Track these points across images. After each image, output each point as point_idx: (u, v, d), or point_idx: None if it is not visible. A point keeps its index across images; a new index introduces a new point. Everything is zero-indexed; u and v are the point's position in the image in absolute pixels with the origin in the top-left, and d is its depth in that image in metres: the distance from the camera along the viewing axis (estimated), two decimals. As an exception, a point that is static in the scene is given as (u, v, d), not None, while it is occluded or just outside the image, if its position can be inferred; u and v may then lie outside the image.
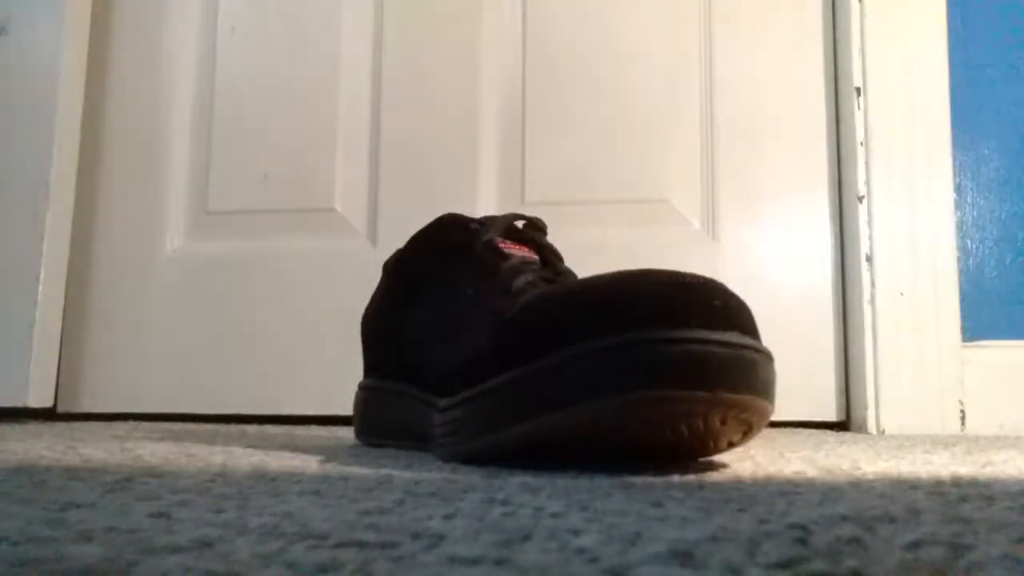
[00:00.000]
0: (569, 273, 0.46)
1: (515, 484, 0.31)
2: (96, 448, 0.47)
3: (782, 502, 0.26)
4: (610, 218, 0.86)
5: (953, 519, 0.23)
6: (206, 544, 0.19)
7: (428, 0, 0.92)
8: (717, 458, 0.42)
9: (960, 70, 0.82)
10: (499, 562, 0.17)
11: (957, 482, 0.33)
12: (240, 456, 0.43)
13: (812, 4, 0.87)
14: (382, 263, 0.56)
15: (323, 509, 0.24)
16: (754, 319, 0.36)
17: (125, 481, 0.31)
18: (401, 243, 0.55)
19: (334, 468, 0.38)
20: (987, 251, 0.81)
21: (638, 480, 0.33)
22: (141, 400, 0.88)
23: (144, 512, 0.23)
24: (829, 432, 0.76)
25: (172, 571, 0.16)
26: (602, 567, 0.17)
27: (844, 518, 0.23)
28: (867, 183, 0.80)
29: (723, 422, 0.35)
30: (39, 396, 0.87)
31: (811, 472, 0.37)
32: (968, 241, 0.81)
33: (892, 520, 0.23)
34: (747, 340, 0.34)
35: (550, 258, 0.47)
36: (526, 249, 0.47)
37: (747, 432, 0.37)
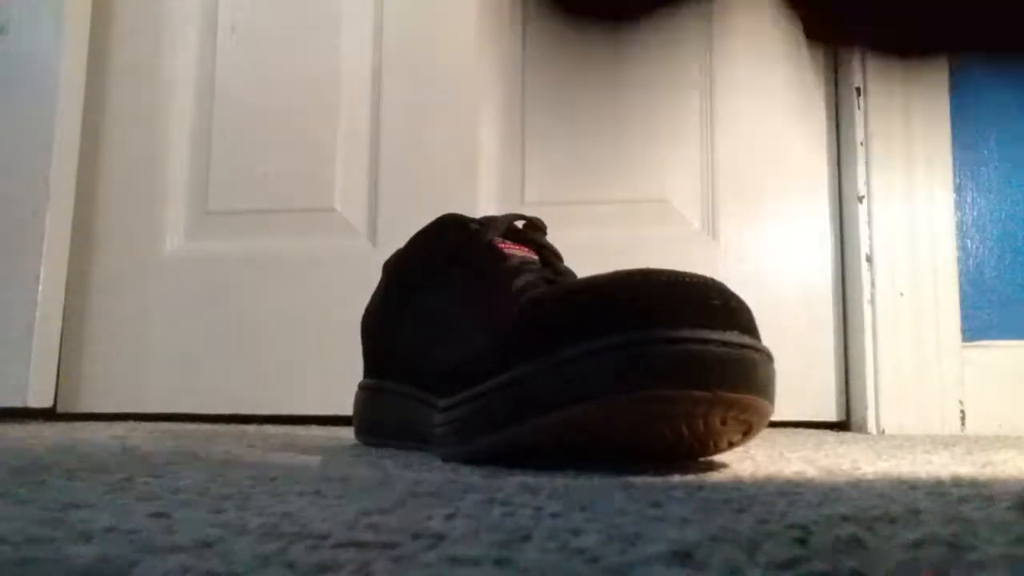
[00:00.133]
0: (569, 273, 0.46)
1: (515, 484, 0.31)
2: (96, 448, 0.47)
3: (782, 502, 0.26)
4: (610, 218, 0.86)
5: (953, 519, 0.23)
6: (206, 544, 0.19)
7: (428, 1, 0.92)
8: (717, 458, 0.42)
9: (960, 70, 0.82)
10: (499, 562, 0.17)
11: (957, 482, 0.33)
12: (240, 456, 0.43)
13: (812, 4, 0.87)
14: (382, 263, 0.56)
15: (323, 509, 0.24)
16: (754, 318, 0.36)
17: (125, 481, 0.31)
18: (401, 243, 0.55)
19: (334, 468, 0.38)
20: (987, 251, 0.81)
21: (638, 480, 0.33)
22: (141, 400, 0.88)
23: (144, 512, 0.23)
24: (829, 432, 0.76)
25: (172, 571, 0.16)
26: (602, 567, 0.17)
27: (844, 518, 0.23)
28: (867, 183, 0.80)
29: (723, 422, 0.35)
30: (39, 396, 0.87)
31: (811, 472, 0.37)
32: (968, 241, 0.81)
33: (892, 520, 0.23)
34: (747, 339, 0.34)
35: (550, 258, 0.47)
36: (526, 249, 0.47)
37: (747, 432, 0.37)
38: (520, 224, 0.48)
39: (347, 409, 0.73)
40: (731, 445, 0.38)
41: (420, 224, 0.53)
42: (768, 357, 0.35)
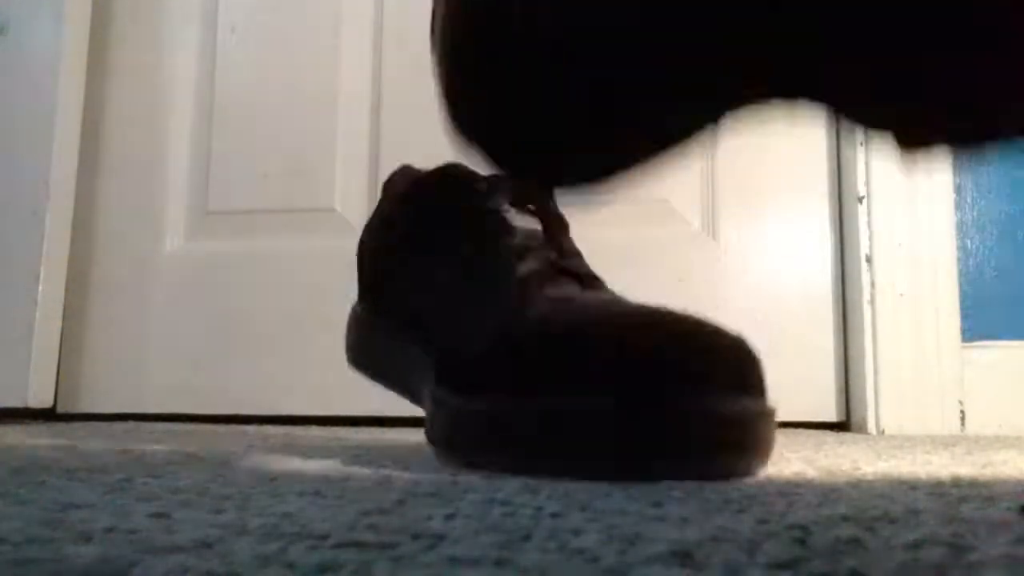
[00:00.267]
0: (576, 255, 0.45)
1: (515, 484, 0.31)
2: (96, 448, 0.47)
3: (782, 502, 0.26)
4: (610, 218, 0.86)
5: (953, 519, 0.23)
6: (206, 544, 0.19)
7: (428, 1, 0.92)
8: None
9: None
10: (499, 562, 0.17)
11: (957, 482, 0.33)
12: (240, 456, 0.43)
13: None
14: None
15: (323, 510, 0.24)
16: (763, 373, 0.36)
17: (125, 481, 0.31)
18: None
19: (334, 468, 0.38)
20: (987, 251, 0.81)
21: (638, 480, 0.33)
22: (141, 400, 0.88)
23: (144, 512, 0.23)
24: (829, 432, 0.76)
25: (172, 571, 0.16)
26: (602, 567, 0.17)
27: (844, 518, 0.23)
28: (867, 183, 0.80)
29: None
30: (39, 396, 0.87)
31: (811, 472, 0.37)
32: (968, 241, 0.81)
33: (892, 520, 0.23)
34: (760, 406, 0.34)
35: (556, 232, 0.45)
36: (531, 217, 0.45)
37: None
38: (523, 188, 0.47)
39: (347, 409, 0.73)
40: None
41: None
42: (771, 416, 0.35)
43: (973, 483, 0.33)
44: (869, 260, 0.79)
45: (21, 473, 0.34)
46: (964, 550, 0.19)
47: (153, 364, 0.89)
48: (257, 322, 0.88)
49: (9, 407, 0.85)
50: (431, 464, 0.39)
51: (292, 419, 0.84)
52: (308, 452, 0.47)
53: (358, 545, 0.19)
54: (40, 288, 0.87)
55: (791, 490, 0.30)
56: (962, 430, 0.76)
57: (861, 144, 0.81)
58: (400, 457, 0.44)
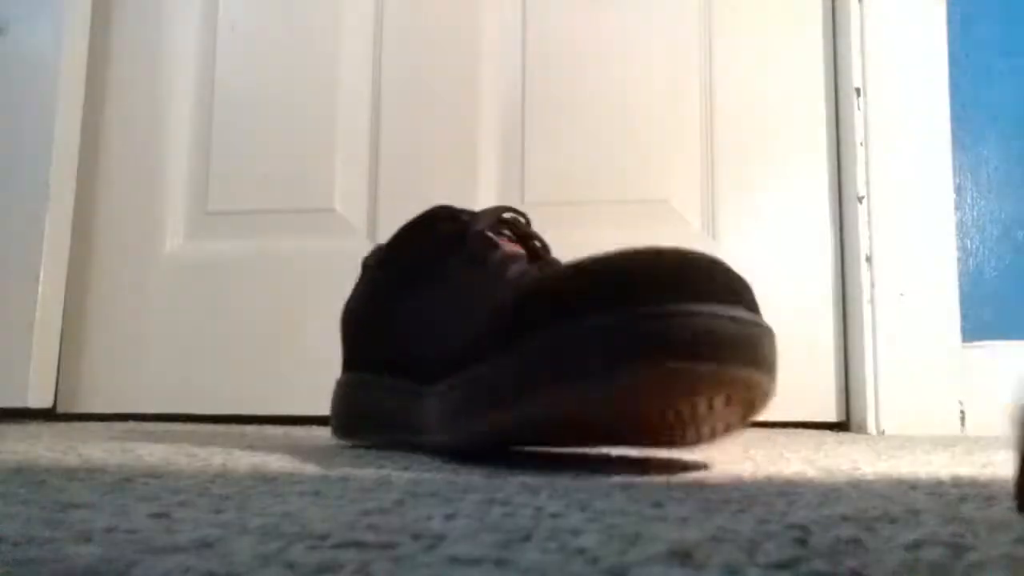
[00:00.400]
0: (558, 264, 0.46)
1: (515, 484, 0.31)
2: (96, 448, 0.47)
3: (782, 502, 0.26)
4: (610, 218, 0.86)
5: (953, 519, 0.23)
6: (206, 544, 0.19)
7: (428, 0, 0.92)
8: (717, 458, 0.42)
9: (960, 70, 0.82)
10: (499, 562, 0.17)
11: (957, 482, 0.33)
12: (240, 456, 0.43)
13: (812, 5, 0.87)
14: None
15: (323, 509, 0.24)
16: (756, 298, 0.36)
17: (125, 481, 0.31)
18: (401, 243, 0.55)
19: (334, 468, 0.38)
20: (987, 251, 0.81)
21: (638, 480, 0.33)
22: (141, 400, 0.88)
23: (144, 512, 0.23)
24: (829, 432, 0.76)
25: (172, 571, 0.16)
26: (602, 567, 0.17)
27: (844, 518, 0.23)
28: (867, 183, 0.80)
29: (728, 401, 0.34)
30: (39, 396, 0.87)
31: (811, 472, 0.37)
32: (968, 241, 0.81)
33: (892, 520, 0.23)
34: (754, 316, 0.34)
35: (538, 251, 0.46)
36: (512, 244, 0.46)
37: (746, 415, 0.37)
38: (506, 216, 0.48)
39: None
40: (727, 430, 0.37)
41: (420, 224, 0.53)
42: (772, 334, 0.35)
43: (973, 483, 0.33)
44: (869, 260, 0.79)
45: (21, 473, 0.34)
46: (964, 550, 0.19)
47: (153, 364, 0.89)
48: (257, 322, 0.88)
49: (9, 407, 0.85)
50: (431, 464, 0.39)
51: (292, 419, 0.84)
52: (308, 452, 0.47)
53: (358, 545, 0.19)
54: (40, 288, 0.87)
55: (791, 490, 0.30)
56: (962, 430, 0.76)
57: (861, 144, 0.81)
58: (400, 457, 0.44)
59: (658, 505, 0.25)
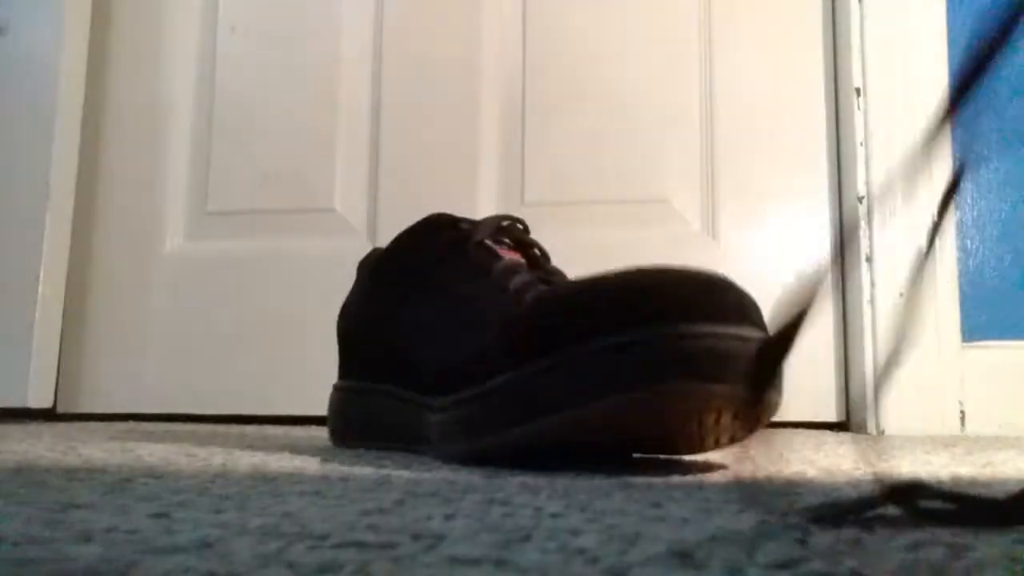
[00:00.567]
0: (559, 273, 0.46)
1: (515, 484, 0.31)
2: (96, 448, 0.47)
3: (782, 502, 0.26)
4: (610, 218, 0.86)
5: (953, 519, 0.23)
6: (206, 544, 0.19)
7: (428, 1, 0.92)
8: (717, 458, 0.42)
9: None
10: (499, 563, 0.17)
11: (957, 482, 0.33)
12: (240, 456, 0.43)
13: (812, 5, 0.87)
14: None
15: (323, 509, 0.24)
16: (763, 315, 0.36)
17: (125, 481, 0.31)
18: (401, 243, 0.55)
19: (334, 468, 0.37)
20: (987, 251, 0.81)
21: (638, 480, 0.33)
22: (141, 400, 0.88)
23: (144, 512, 0.23)
24: (829, 432, 0.75)
25: (172, 571, 0.16)
26: (602, 567, 0.17)
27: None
28: (867, 183, 0.80)
29: (736, 417, 0.35)
30: (39, 396, 0.87)
31: (811, 472, 0.37)
32: (968, 241, 0.81)
33: (892, 520, 0.23)
34: (761, 334, 0.34)
35: (538, 259, 0.47)
36: (512, 252, 0.46)
37: (753, 428, 0.37)
38: (505, 224, 0.48)
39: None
40: (732, 441, 0.38)
41: (420, 224, 0.53)
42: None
43: (973, 483, 0.33)
44: (869, 260, 0.79)
45: (21, 473, 0.34)
46: (964, 550, 0.19)
47: (153, 364, 0.89)
48: (257, 322, 0.88)
49: (9, 407, 0.85)
50: (431, 464, 0.39)
51: (292, 419, 0.84)
52: (308, 452, 0.47)
53: (358, 545, 0.19)
54: (40, 288, 0.87)
55: (791, 490, 0.30)
56: (962, 430, 0.76)
57: (861, 144, 0.81)
58: (400, 457, 0.44)
59: (658, 505, 0.25)
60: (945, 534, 0.21)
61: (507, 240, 0.47)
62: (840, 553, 0.18)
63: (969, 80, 0.20)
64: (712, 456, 0.43)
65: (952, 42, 0.82)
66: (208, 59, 0.94)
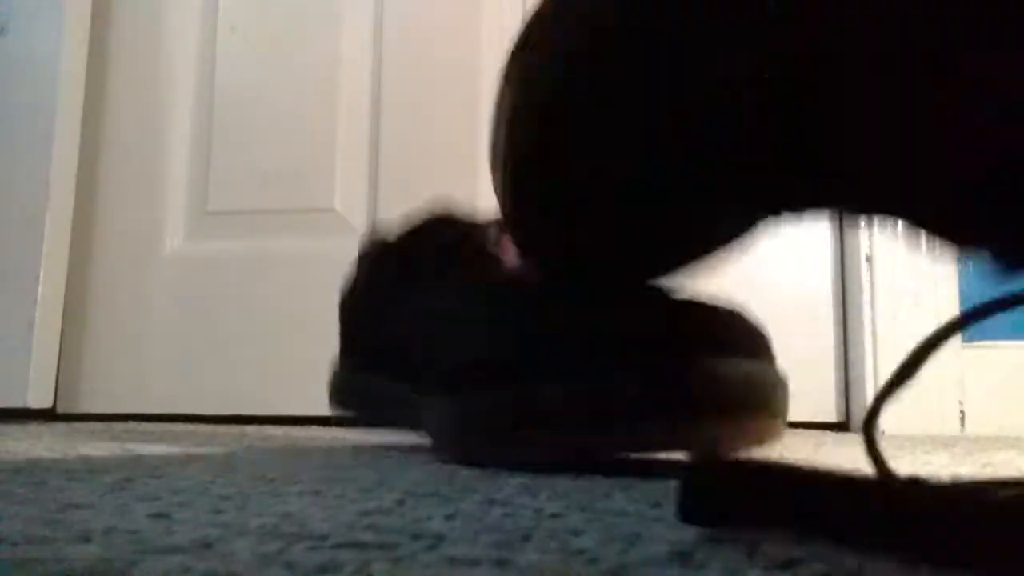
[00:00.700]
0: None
1: (515, 485, 0.31)
2: (96, 448, 0.47)
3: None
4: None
5: (953, 519, 0.23)
6: (206, 544, 0.19)
7: (428, 0, 0.92)
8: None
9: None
10: (499, 563, 0.17)
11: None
12: (240, 456, 0.43)
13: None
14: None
15: (323, 509, 0.24)
16: (771, 345, 0.37)
17: (125, 481, 0.31)
18: (401, 243, 0.55)
19: (334, 468, 0.37)
20: (987, 251, 0.80)
21: (638, 480, 0.33)
22: (141, 400, 0.88)
23: (144, 512, 0.23)
24: (829, 432, 0.76)
25: (172, 571, 0.16)
26: (602, 568, 0.17)
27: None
28: (867, 183, 0.80)
29: (736, 443, 0.35)
30: (39, 396, 0.87)
31: (811, 472, 0.37)
32: (968, 241, 0.81)
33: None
34: (767, 368, 0.35)
35: None
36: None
37: (755, 448, 0.38)
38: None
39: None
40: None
41: (420, 224, 0.53)
42: (786, 386, 0.36)
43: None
44: (869, 260, 0.79)
45: (21, 473, 0.34)
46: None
47: (153, 364, 0.89)
48: (257, 322, 0.88)
49: (9, 407, 0.85)
50: (431, 464, 0.39)
51: (292, 419, 0.84)
52: (308, 452, 0.47)
53: (358, 545, 0.19)
54: (40, 288, 0.87)
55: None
56: (962, 430, 0.76)
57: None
58: (400, 457, 0.44)
59: (658, 505, 0.25)
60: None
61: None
62: (840, 553, 0.18)
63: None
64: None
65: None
66: (208, 59, 0.94)
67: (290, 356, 0.87)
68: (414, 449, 0.48)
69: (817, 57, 0.20)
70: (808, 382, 0.81)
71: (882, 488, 0.17)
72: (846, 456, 0.47)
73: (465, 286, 0.44)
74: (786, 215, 0.27)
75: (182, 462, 0.39)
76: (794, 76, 0.20)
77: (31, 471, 0.35)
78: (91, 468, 0.36)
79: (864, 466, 0.41)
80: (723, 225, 0.32)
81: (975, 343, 0.78)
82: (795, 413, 0.84)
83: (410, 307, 0.47)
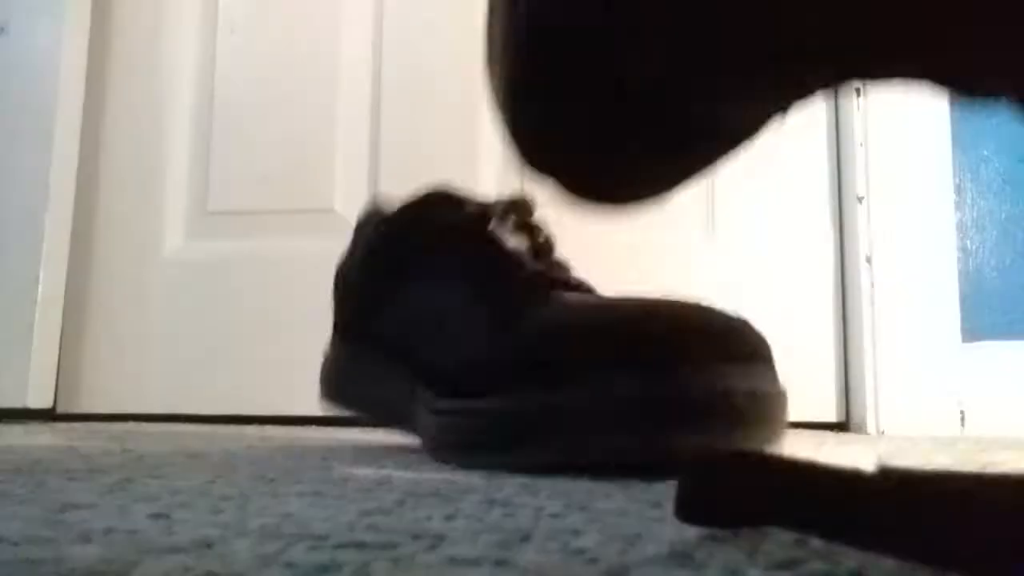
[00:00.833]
0: (563, 265, 0.46)
1: (515, 484, 0.31)
2: (96, 448, 0.47)
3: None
4: (610, 217, 0.86)
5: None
6: (206, 545, 0.19)
7: (428, 1, 0.92)
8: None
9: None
10: (499, 563, 0.17)
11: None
12: (240, 456, 0.43)
13: (812, 4, 0.87)
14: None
15: (323, 510, 0.24)
16: (772, 354, 0.37)
17: (125, 481, 0.31)
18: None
19: (334, 468, 0.37)
20: (987, 251, 0.81)
21: (638, 480, 0.33)
22: (141, 400, 0.88)
23: (144, 512, 0.23)
24: (829, 433, 0.76)
25: (172, 571, 0.16)
26: (602, 568, 0.17)
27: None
28: (867, 183, 0.80)
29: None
30: (39, 396, 0.87)
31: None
32: (968, 241, 0.81)
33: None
34: (766, 379, 0.35)
35: (544, 248, 0.45)
36: (518, 234, 0.45)
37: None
38: (513, 203, 0.47)
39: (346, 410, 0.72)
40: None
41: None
42: (785, 397, 0.36)
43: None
44: (869, 260, 0.79)
45: (21, 473, 0.34)
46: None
47: (153, 364, 0.89)
48: (257, 322, 0.88)
49: (9, 407, 0.85)
50: (431, 464, 0.39)
51: (292, 419, 0.84)
52: (308, 452, 0.47)
53: (358, 545, 0.19)
54: (40, 288, 0.87)
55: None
56: (962, 430, 0.76)
57: (861, 144, 0.81)
58: (400, 457, 0.44)
59: (658, 505, 0.25)
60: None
61: (513, 217, 0.46)
62: (840, 553, 0.18)
63: None
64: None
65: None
66: (208, 59, 0.94)
67: (290, 356, 0.87)
68: (414, 449, 0.48)
69: None
70: (808, 382, 0.81)
71: (882, 487, 0.17)
72: (846, 455, 0.46)
73: (465, 281, 0.43)
74: (796, 105, 0.25)
75: (182, 462, 0.39)
76: None
77: (31, 471, 0.35)
78: (91, 468, 0.36)
79: (864, 465, 0.41)
80: (728, 119, 0.28)
81: (975, 343, 0.78)
82: (795, 413, 0.84)
83: (409, 301, 0.46)
